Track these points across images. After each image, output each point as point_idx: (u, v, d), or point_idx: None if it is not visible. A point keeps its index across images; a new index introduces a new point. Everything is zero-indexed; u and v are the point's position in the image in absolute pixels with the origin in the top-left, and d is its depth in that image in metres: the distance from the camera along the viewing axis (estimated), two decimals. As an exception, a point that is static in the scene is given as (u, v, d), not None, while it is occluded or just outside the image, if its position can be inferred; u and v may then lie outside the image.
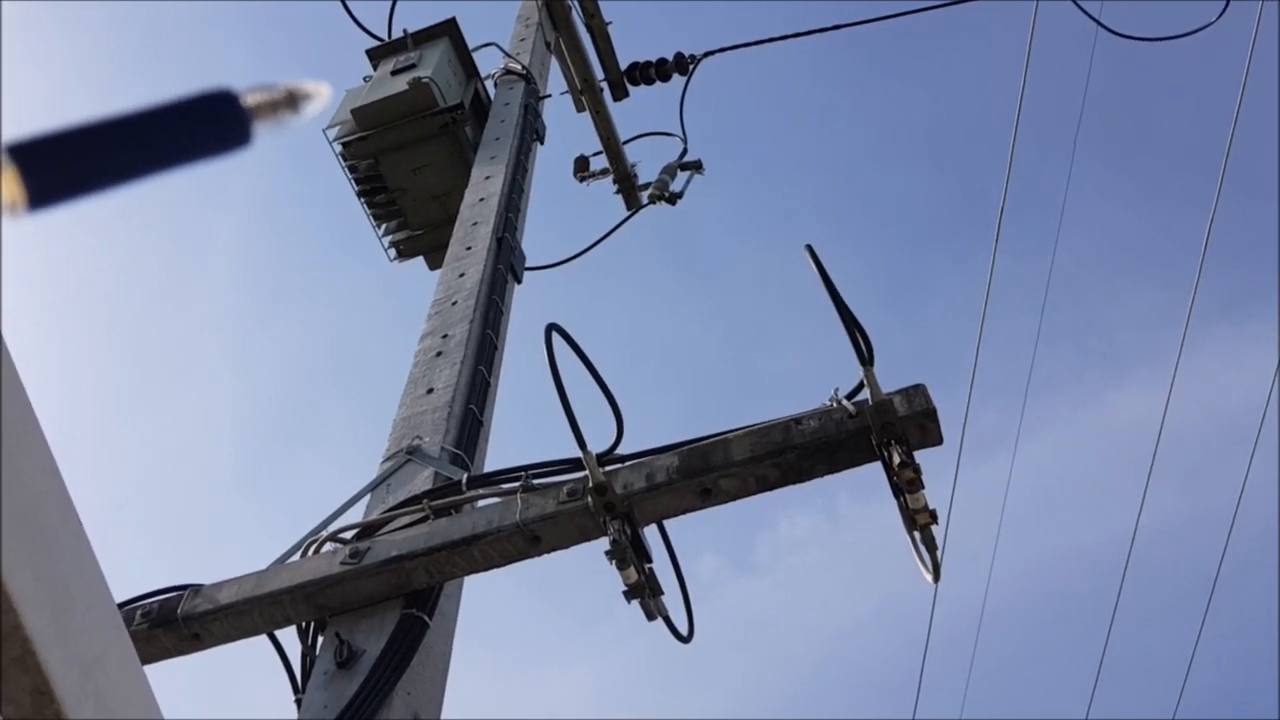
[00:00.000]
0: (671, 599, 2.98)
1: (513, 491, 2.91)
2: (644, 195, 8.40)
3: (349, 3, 6.87)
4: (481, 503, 3.03)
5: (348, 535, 3.09)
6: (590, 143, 8.90)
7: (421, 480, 3.33)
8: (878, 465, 2.67)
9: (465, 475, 3.10)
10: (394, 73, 6.00)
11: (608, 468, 2.87)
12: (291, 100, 0.57)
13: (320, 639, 2.93)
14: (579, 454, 2.79)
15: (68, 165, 0.51)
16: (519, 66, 6.53)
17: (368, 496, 3.37)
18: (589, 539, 2.80)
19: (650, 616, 2.73)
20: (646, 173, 8.90)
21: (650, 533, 2.95)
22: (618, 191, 8.56)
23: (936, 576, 2.78)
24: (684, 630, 2.98)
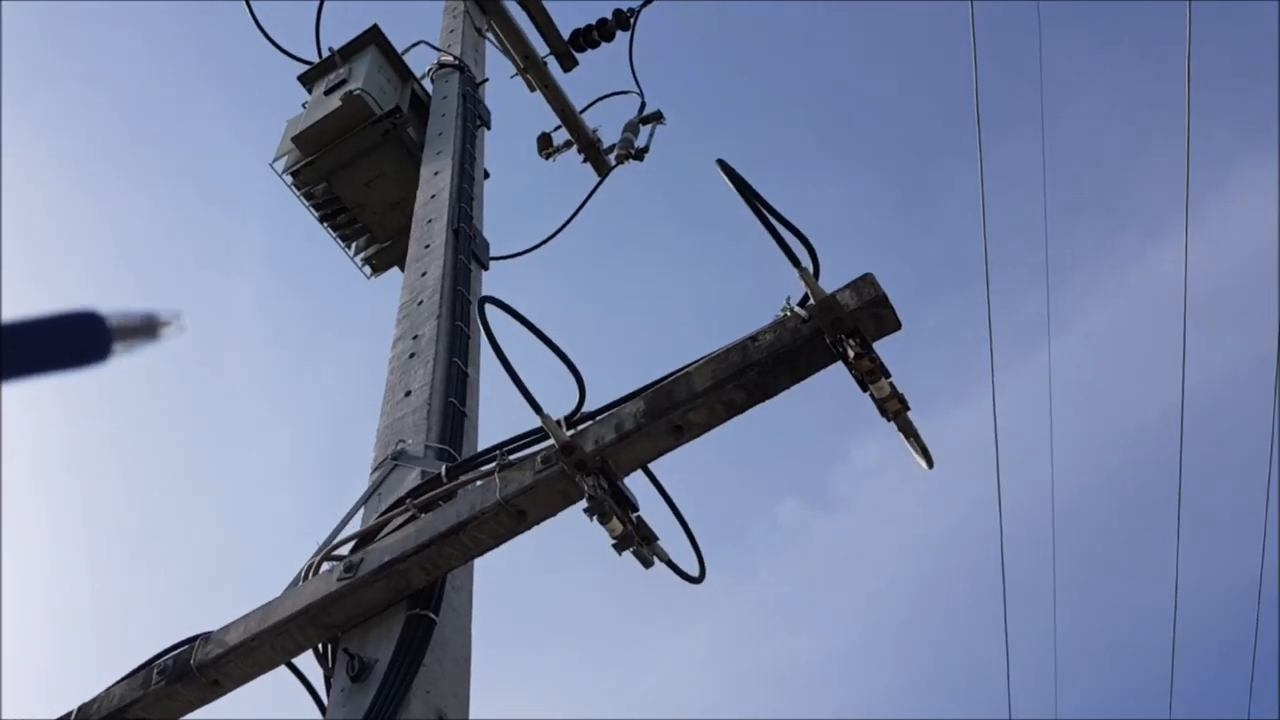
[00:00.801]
0: (680, 551, 2.94)
1: (491, 472, 2.87)
2: (611, 158, 8.31)
3: (275, 33, 6.81)
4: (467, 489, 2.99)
5: (343, 550, 3.06)
6: (552, 119, 8.81)
7: (410, 482, 3.30)
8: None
9: (444, 467, 3.06)
10: (327, 92, 5.95)
11: (579, 427, 2.82)
12: (150, 328, 0.61)
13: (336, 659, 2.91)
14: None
15: None
16: (451, 58, 6.45)
17: (362, 510, 3.35)
18: (573, 501, 2.75)
19: (646, 564, 2.68)
20: (614, 133, 8.82)
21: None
22: (585, 160, 8.47)
23: (929, 463, 2.71)
24: (694, 571, 2.94)
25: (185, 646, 2.95)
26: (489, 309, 2.67)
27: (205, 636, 2.96)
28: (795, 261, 2.45)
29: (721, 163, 2.49)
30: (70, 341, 0.58)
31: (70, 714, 2.99)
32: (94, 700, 2.99)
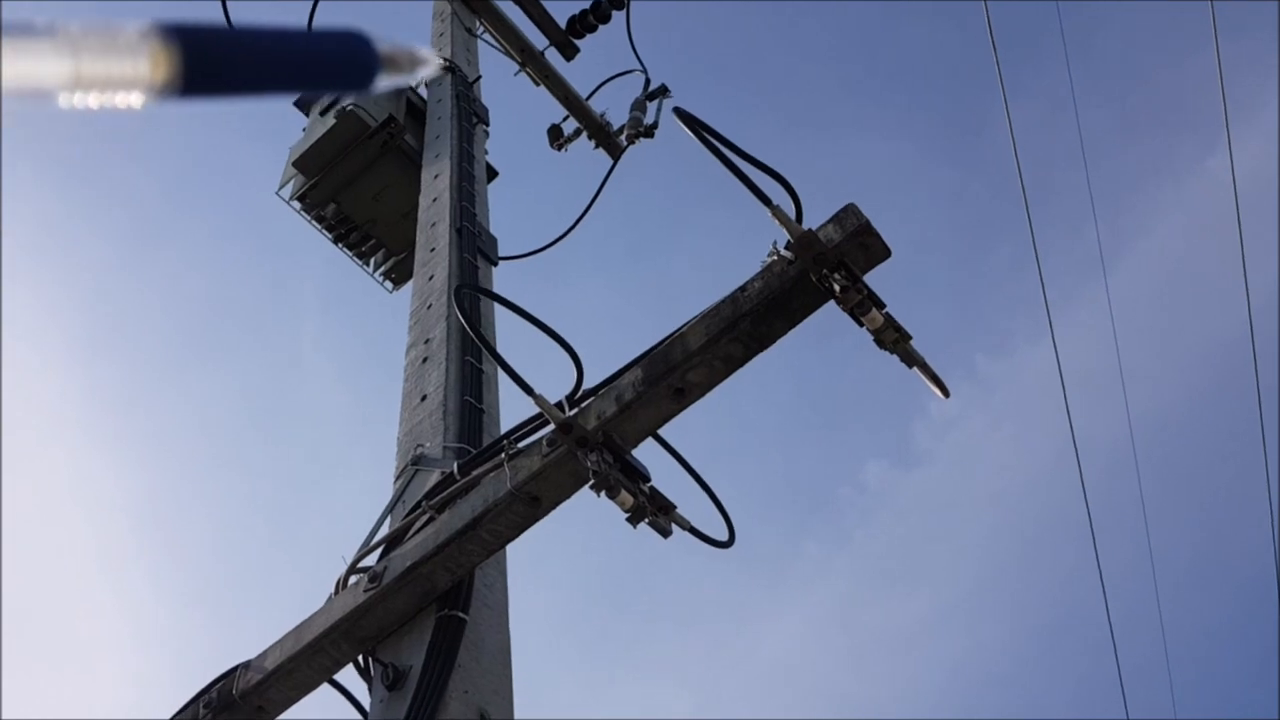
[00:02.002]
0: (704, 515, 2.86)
1: (501, 463, 2.81)
2: (622, 139, 8.22)
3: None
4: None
5: (369, 562, 3.04)
6: (560, 112, 8.74)
7: (429, 485, 3.26)
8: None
9: (455, 464, 3.01)
10: (322, 113, 5.94)
11: (582, 405, 2.76)
12: (412, 60, 0.64)
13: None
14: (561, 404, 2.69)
15: (217, 62, 0.55)
16: (442, 60, 6.41)
17: (388, 520, 3.32)
18: (585, 480, 2.68)
19: (665, 534, 2.60)
20: (623, 115, 8.72)
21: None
22: (597, 146, 8.39)
23: (944, 392, 2.60)
24: (722, 537, 2.86)
25: (227, 678, 2.95)
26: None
27: (245, 665, 2.95)
28: (766, 201, 2.35)
29: (679, 110, 2.40)
30: (338, 60, 0.61)
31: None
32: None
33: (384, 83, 0.61)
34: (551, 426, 2.75)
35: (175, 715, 3.00)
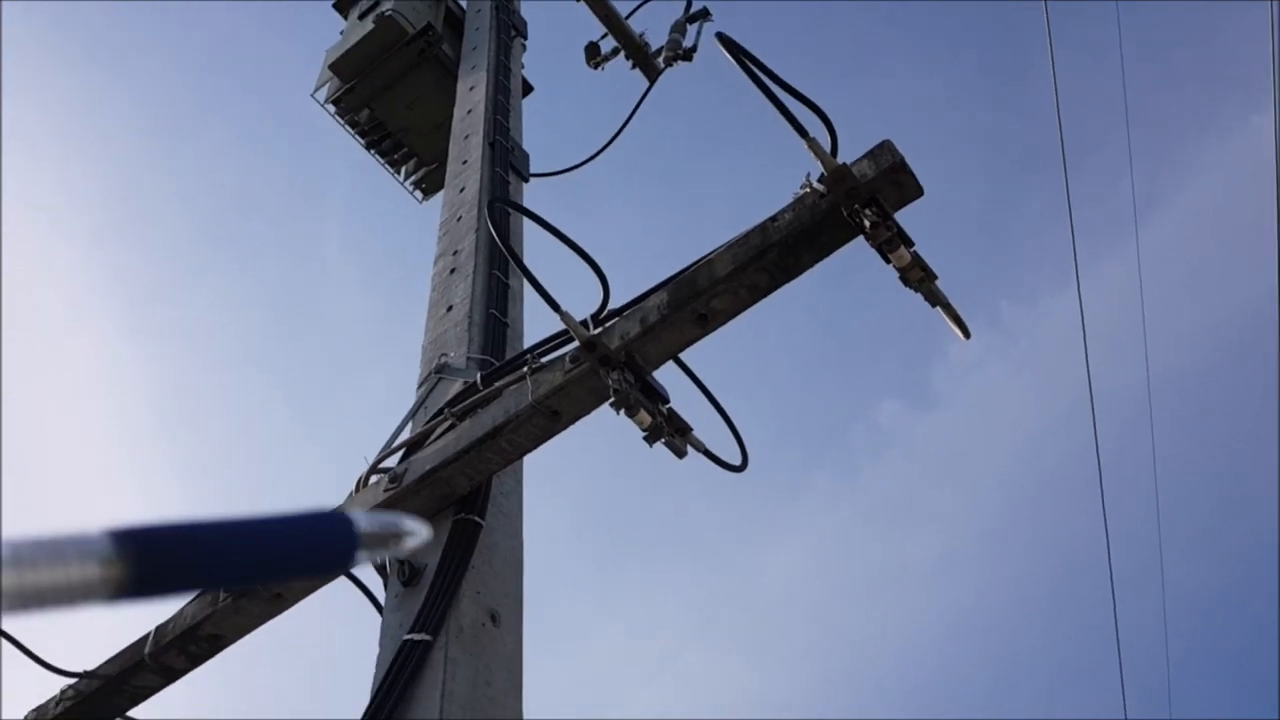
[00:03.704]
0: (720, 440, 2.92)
1: (523, 376, 2.87)
2: (660, 60, 8.14)
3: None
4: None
5: (390, 463, 3.12)
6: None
7: (453, 394, 3.33)
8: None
9: (479, 375, 3.08)
10: (360, 16, 5.91)
11: (606, 325, 2.80)
12: (397, 537, 0.61)
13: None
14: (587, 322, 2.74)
15: (174, 559, 0.53)
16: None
17: (410, 425, 3.40)
18: (605, 398, 2.74)
19: (680, 454, 2.67)
20: (662, 37, 8.61)
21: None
22: (634, 66, 8.31)
23: (965, 333, 2.63)
24: (736, 461, 2.92)
25: (248, 564, 3.05)
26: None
27: (266, 553, 3.05)
28: (803, 132, 2.36)
29: (721, 35, 2.40)
30: (316, 545, 0.58)
31: (149, 634, 3.13)
32: (169, 620, 3.12)
33: (364, 559, 0.58)
34: (575, 344, 2.80)
35: (195, 597, 3.11)
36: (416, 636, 2.58)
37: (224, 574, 0.55)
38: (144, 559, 0.50)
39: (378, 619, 3.06)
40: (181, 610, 3.11)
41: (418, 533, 0.61)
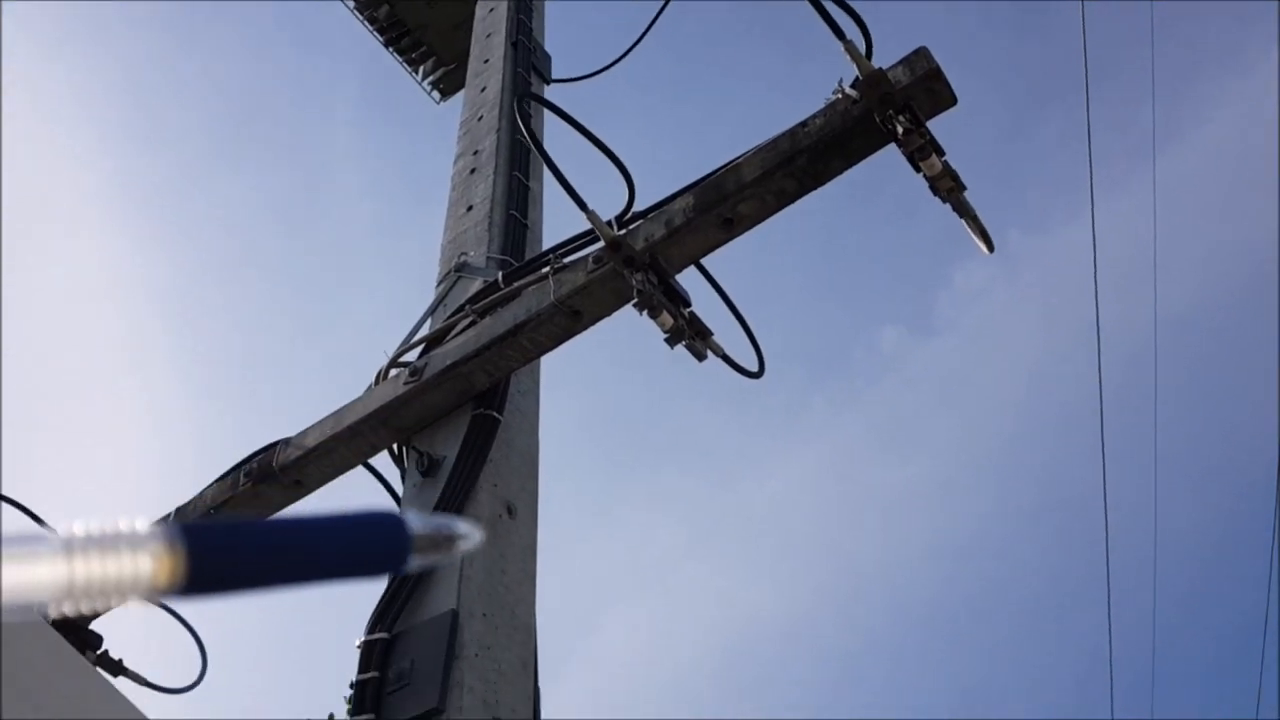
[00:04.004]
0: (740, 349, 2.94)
1: (546, 276, 2.88)
2: (683, -32, 7.99)
3: None
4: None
5: (410, 357, 3.15)
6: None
7: (472, 292, 3.34)
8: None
9: (500, 273, 3.09)
10: (381, -91, 5.78)
11: (630, 226, 2.80)
12: (450, 541, 0.61)
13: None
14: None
15: (231, 560, 0.53)
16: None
17: (429, 321, 3.42)
18: (626, 299, 2.76)
19: (699, 357, 2.69)
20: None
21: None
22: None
23: (989, 246, 2.63)
24: (753, 367, 2.95)
25: (267, 451, 3.10)
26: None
27: (285, 441, 3.10)
28: (840, 34, 2.34)
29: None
30: (370, 548, 0.59)
31: (169, 515, 3.19)
32: (189, 502, 3.18)
33: (415, 564, 0.58)
34: (598, 245, 2.81)
35: (216, 481, 3.17)
36: (435, 525, 2.64)
37: (276, 576, 0.55)
38: (197, 558, 0.51)
39: (393, 508, 3.12)
40: (202, 493, 3.17)
41: (471, 536, 0.61)
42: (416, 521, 0.58)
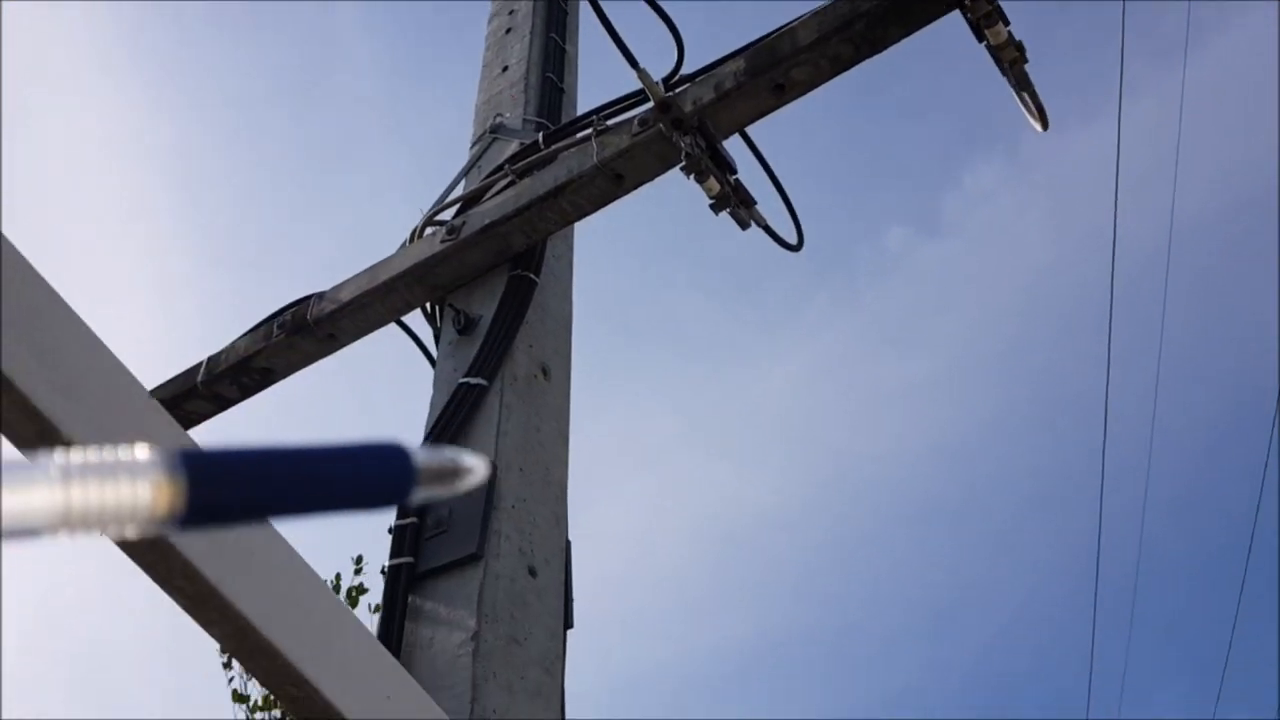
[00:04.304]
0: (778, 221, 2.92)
1: (588, 138, 2.84)
2: None
3: None
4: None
5: (446, 216, 3.13)
6: None
7: (508, 153, 3.30)
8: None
9: (541, 134, 3.04)
10: None
11: (678, 89, 2.75)
12: (455, 473, 0.59)
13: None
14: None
15: (232, 489, 0.52)
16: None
17: (463, 182, 3.38)
18: (670, 164, 2.72)
19: (743, 225, 2.68)
20: None
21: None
22: None
23: (1045, 123, 2.59)
24: (792, 239, 2.93)
25: (300, 304, 3.10)
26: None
27: (320, 295, 3.10)
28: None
29: None
30: (374, 479, 0.57)
31: (200, 364, 3.21)
32: (221, 352, 3.19)
33: (420, 497, 0.56)
34: (642, 108, 2.76)
35: (248, 332, 3.18)
36: (473, 380, 2.66)
37: (278, 506, 0.54)
38: (198, 487, 0.49)
39: (420, 367, 3.14)
40: (234, 343, 3.18)
41: (477, 469, 0.59)
42: (422, 453, 0.57)
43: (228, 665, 9.17)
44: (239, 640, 1.02)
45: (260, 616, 1.01)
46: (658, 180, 2.79)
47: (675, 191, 2.80)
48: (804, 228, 2.95)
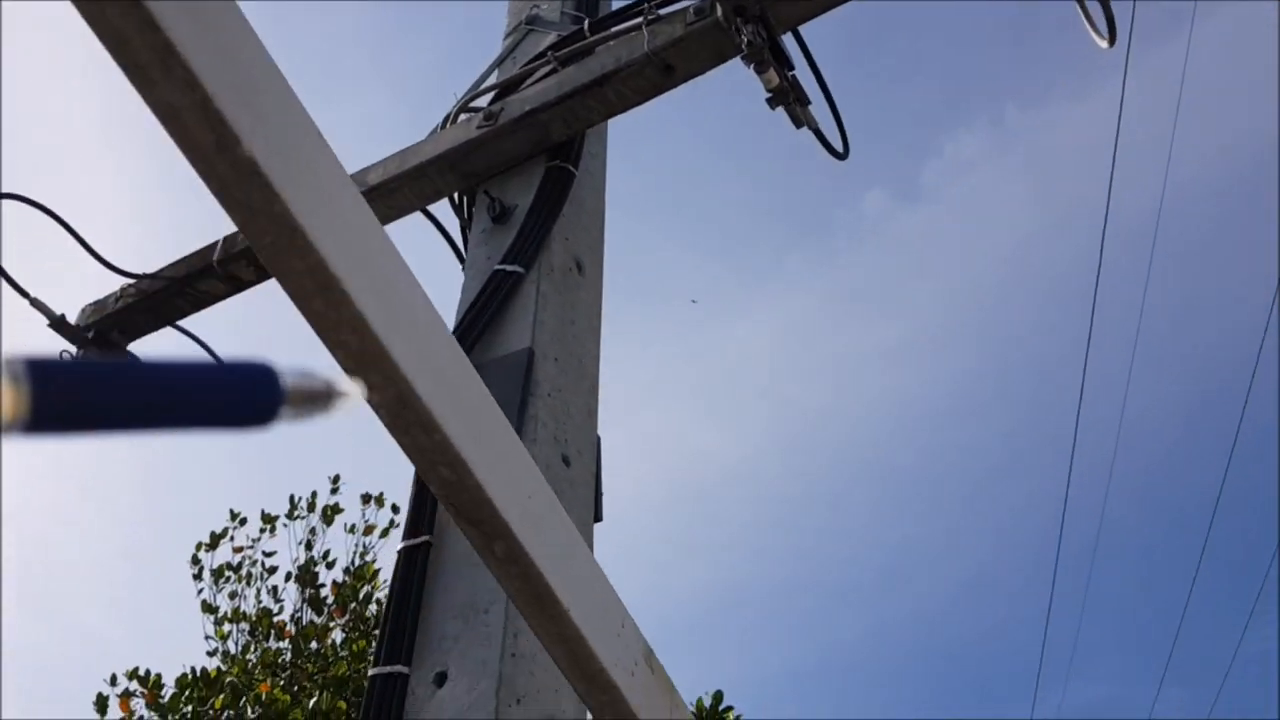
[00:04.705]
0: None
1: (638, 26, 2.74)
2: None
3: None
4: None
5: (482, 102, 3.03)
6: None
7: (546, 44, 3.19)
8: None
9: (587, 21, 2.94)
10: None
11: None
12: (327, 396, 0.57)
13: (473, 208, 2.95)
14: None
15: (80, 398, 0.51)
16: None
17: (496, 72, 3.27)
18: (724, 58, 2.64)
19: (798, 123, 2.60)
20: None
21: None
22: None
23: (1113, 39, 2.53)
24: (839, 147, 2.86)
25: (326, 185, 2.99)
26: None
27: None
28: None
29: None
30: (237, 398, 0.55)
31: (216, 243, 3.11)
32: (234, 234, 3.08)
33: (288, 420, 0.55)
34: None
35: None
36: (509, 268, 2.58)
37: (132, 419, 0.53)
38: (43, 394, 0.48)
39: (439, 261, 3.06)
40: (253, 223, 3.07)
41: (351, 392, 0.57)
42: (291, 374, 0.56)
43: (198, 577, 9.10)
44: (397, 409, 0.96)
45: (426, 387, 0.95)
46: (650, 140, 2.71)
47: (662, 146, 2.73)
48: (784, 188, 2.88)
